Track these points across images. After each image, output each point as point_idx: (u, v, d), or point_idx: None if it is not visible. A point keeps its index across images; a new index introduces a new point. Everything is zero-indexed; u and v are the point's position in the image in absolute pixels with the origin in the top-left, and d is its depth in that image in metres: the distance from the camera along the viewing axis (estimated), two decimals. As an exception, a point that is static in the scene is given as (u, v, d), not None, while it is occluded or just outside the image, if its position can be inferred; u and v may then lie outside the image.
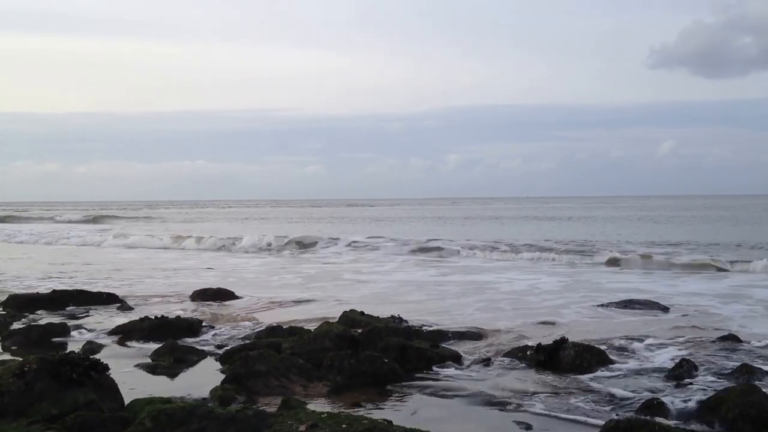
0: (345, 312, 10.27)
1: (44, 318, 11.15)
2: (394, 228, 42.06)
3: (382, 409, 6.39)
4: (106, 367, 6.25)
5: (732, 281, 16.07)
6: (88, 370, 6.01)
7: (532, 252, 23.04)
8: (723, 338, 9.09)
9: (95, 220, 59.58)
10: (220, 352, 8.61)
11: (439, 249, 25.17)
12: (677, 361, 7.74)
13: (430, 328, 10.03)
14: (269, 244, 26.66)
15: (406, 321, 10.43)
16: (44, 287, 14.53)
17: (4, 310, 11.84)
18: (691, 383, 7.16)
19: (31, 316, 11.47)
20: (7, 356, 8.38)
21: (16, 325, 10.25)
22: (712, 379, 7.34)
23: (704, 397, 6.43)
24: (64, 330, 9.89)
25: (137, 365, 8.16)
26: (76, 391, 5.79)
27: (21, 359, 6.35)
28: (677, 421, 5.93)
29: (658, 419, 5.85)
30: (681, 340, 9.43)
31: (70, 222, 58.17)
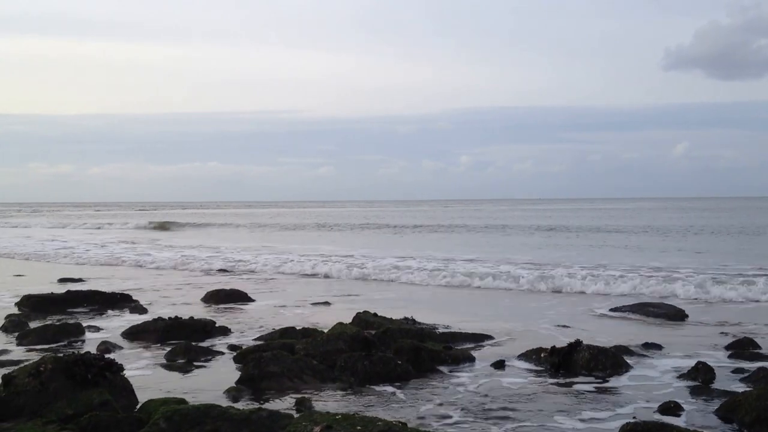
0: (358, 313, 10.25)
1: (59, 318, 11.20)
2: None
3: (396, 410, 6.36)
4: (120, 368, 6.27)
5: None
6: (103, 370, 6.03)
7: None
8: (740, 342, 8.99)
9: (163, 227, 50.25)
10: (234, 352, 8.62)
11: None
12: (693, 364, 7.67)
13: (443, 330, 10.00)
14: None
15: (419, 322, 10.40)
16: (58, 288, 14.59)
17: (19, 310, 11.93)
18: (707, 386, 7.10)
19: (46, 316, 11.53)
20: (22, 356, 8.42)
21: (31, 325, 10.27)
22: (729, 382, 7.28)
23: (721, 401, 6.38)
24: (78, 330, 9.93)
25: (151, 365, 8.18)
26: (91, 392, 5.80)
27: (36, 359, 6.38)
28: (694, 424, 5.87)
29: (675, 422, 5.81)
30: (698, 343, 9.37)
31: (120, 227, 50.35)
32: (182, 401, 5.80)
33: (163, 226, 50.83)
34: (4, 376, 5.91)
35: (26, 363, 6.53)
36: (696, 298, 13.61)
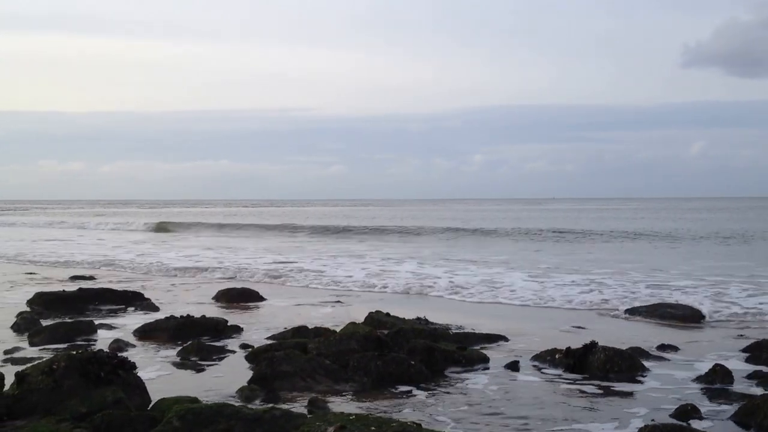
0: (371, 313, 10.20)
1: (71, 316, 11.20)
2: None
3: (410, 411, 6.31)
4: (133, 366, 6.25)
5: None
6: (116, 368, 6.01)
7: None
8: (759, 344, 8.87)
9: (162, 228, 46.91)
10: (246, 351, 8.58)
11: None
12: (711, 366, 7.57)
13: (456, 331, 9.93)
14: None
15: (432, 323, 10.33)
16: (70, 286, 14.61)
17: (30, 308, 11.93)
18: (725, 389, 7.01)
19: (58, 314, 11.53)
20: (34, 354, 8.42)
21: (43, 323, 10.27)
22: (747, 385, 7.18)
23: (739, 404, 6.29)
24: (90, 328, 9.92)
25: (163, 364, 8.15)
26: (104, 390, 5.78)
27: (49, 357, 6.36)
28: (711, 428, 5.80)
29: (692, 425, 5.73)
30: (715, 345, 9.26)
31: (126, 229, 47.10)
32: (195, 400, 5.77)
33: (172, 225, 50.84)
34: (17, 374, 5.90)
35: (39, 361, 6.52)
36: (714, 301, 13.45)
